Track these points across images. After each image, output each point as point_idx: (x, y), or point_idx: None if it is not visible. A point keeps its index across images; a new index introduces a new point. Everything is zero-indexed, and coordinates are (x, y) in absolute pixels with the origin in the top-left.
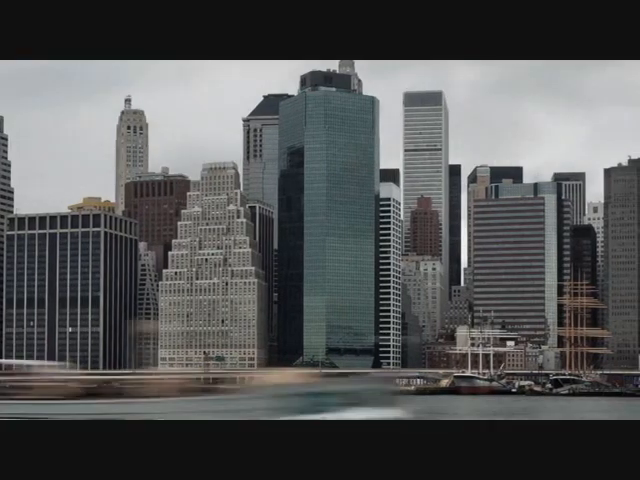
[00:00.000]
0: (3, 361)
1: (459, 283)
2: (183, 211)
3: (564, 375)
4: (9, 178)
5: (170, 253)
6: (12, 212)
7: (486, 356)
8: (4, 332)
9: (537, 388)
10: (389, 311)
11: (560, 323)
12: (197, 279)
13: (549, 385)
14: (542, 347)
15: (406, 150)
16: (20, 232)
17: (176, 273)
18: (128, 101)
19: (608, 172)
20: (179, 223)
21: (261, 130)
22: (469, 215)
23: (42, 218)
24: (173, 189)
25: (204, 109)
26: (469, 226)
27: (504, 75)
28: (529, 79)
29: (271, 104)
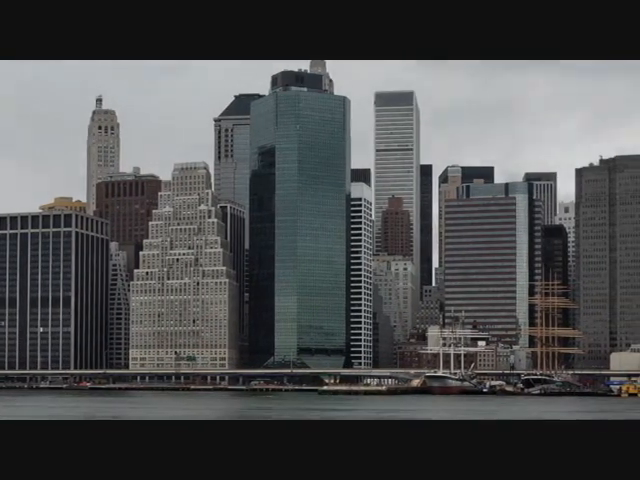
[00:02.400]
0: None
1: (430, 283)
2: (154, 211)
3: (535, 375)
4: None
5: (141, 253)
6: None
7: (457, 356)
8: None
9: (508, 388)
10: (360, 311)
11: (531, 323)
12: (168, 279)
13: (520, 385)
14: (513, 347)
15: (377, 150)
16: None
17: (147, 273)
18: (99, 101)
19: (579, 172)
20: (150, 223)
21: (232, 130)
22: (440, 215)
23: (13, 218)
24: (144, 189)
25: (175, 109)
26: (440, 226)
27: (476, 75)
28: (502, 79)
29: (242, 104)
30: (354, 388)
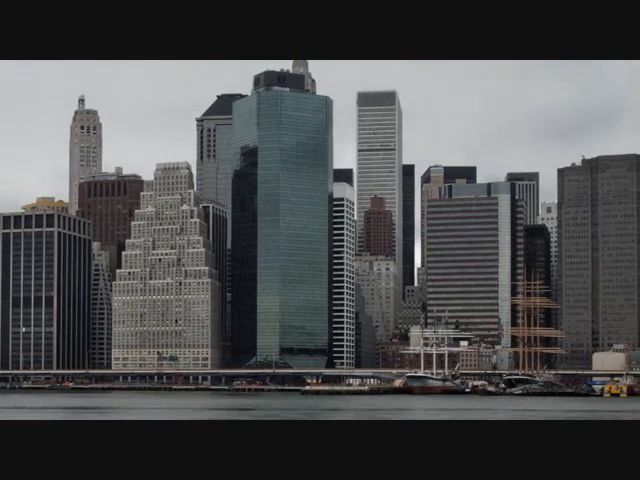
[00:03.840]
0: None
1: (413, 283)
2: (137, 211)
3: (517, 375)
4: None
5: (124, 253)
6: None
7: (440, 356)
8: None
9: (491, 388)
10: (343, 311)
11: (514, 323)
12: (150, 279)
13: (502, 385)
14: (496, 347)
15: (360, 150)
16: None
17: (129, 273)
18: (82, 101)
19: (562, 172)
20: (132, 223)
21: (215, 130)
22: (423, 215)
23: None
24: (127, 189)
25: (158, 109)
26: (423, 226)
27: (458, 75)
28: (484, 79)
29: (225, 104)
30: (336, 388)
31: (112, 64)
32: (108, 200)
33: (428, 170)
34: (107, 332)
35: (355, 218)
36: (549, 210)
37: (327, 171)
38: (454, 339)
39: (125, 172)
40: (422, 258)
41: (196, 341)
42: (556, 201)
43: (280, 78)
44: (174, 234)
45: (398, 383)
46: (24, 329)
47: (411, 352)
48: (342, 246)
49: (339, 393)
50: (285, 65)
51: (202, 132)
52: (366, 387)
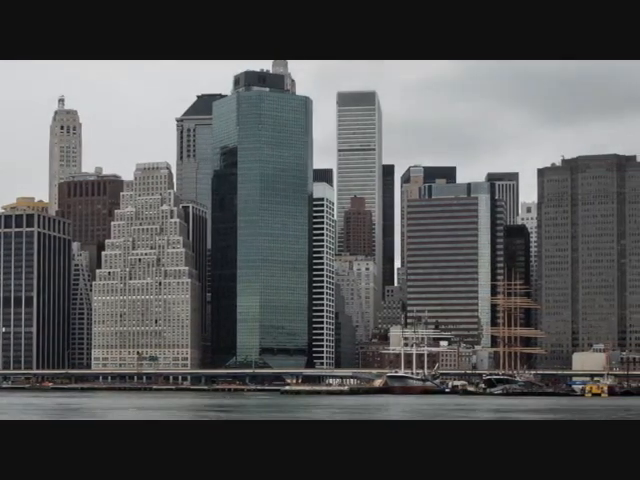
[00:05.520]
0: None
1: (393, 283)
2: (116, 211)
3: (498, 375)
4: None
5: (103, 253)
6: None
7: (420, 356)
8: None
9: (471, 388)
10: (322, 311)
11: (494, 323)
12: (130, 279)
13: (482, 385)
14: (475, 347)
15: (340, 150)
16: None
17: (109, 273)
18: (61, 101)
19: (541, 172)
20: (112, 223)
21: (194, 130)
22: (402, 215)
23: None
24: (106, 189)
25: (138, 109)
26: (402, 226)
27: (438, 75)
28: (465, 79)
29: (204, 104)
30: (316, 388)
31: (92, 64)
32: (88, 200)
33: (408, 170)
34: (87, 332)
35: (335, 218)
36: (529, 210)
37: (307, 171)
38: (434, 339)
39: (105, 172)
40: (402, 258)
41: (176, 341)
42: (536, 201)
43: (260, 78)
44: (154, 234)
45: (378, 383)
46: (4, 329)
47: (391, 352)
48: (322, 246)
49: (319, 393)
50: (265, 65)
51: (182, 132)
52: (346, 387)
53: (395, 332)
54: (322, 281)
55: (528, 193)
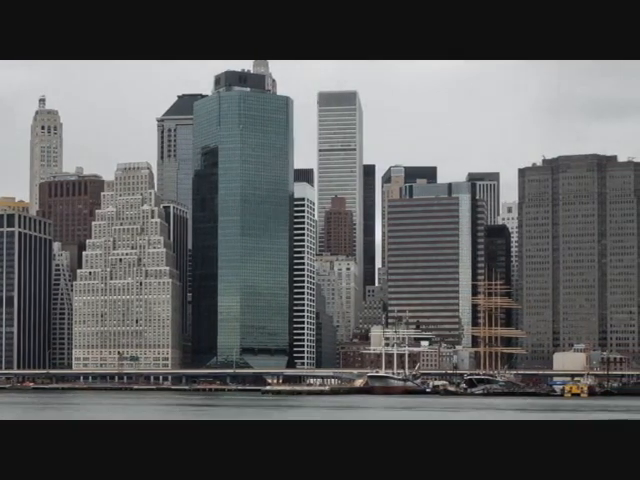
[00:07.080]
0: None
1: (373, 283)
2: (97, 211)
3: (478, 375)
4: None
5: (84, 253)
6: None
7: (401, 356)
8: None
9: (451, 388)
10: (303, 311)
11: (474, 323)
12: (111, 279)
13: (463, 385)
14: (456, 347)
15: (320, 150)
16: None
17: (90, 273)
18: (42, 101)
19: (522, 172)
20: (93, 223)
21: (175, 130)
22: (383, 215)
23: None
24: (87, 189)
25: (118, 109)
26: (383, 226)
27: (418, 75)
28: (446, 79)
29: (185, 104)
30: (297, 388)
31: (73, 64)
32: (69, 200)
33: (389, 170)
34: (68, 332)
35: (316, 218)
36: (510, 210)
37: (288, 171)
38: (415, 339)
39: (86, 172)
40: (383, 258)
41: (157, 341)
42: (517, 201)
43: (241, 78)
44: (135, 234)
45: (359, 383)
46: None
47: (372, 352)
48: (303, 246)
49: (299, 393)
50: (246, 65)
51: (163, 132)
52: (327, 387)
53: (376, 332)
54: (303, 281)
55: (509, 193)
